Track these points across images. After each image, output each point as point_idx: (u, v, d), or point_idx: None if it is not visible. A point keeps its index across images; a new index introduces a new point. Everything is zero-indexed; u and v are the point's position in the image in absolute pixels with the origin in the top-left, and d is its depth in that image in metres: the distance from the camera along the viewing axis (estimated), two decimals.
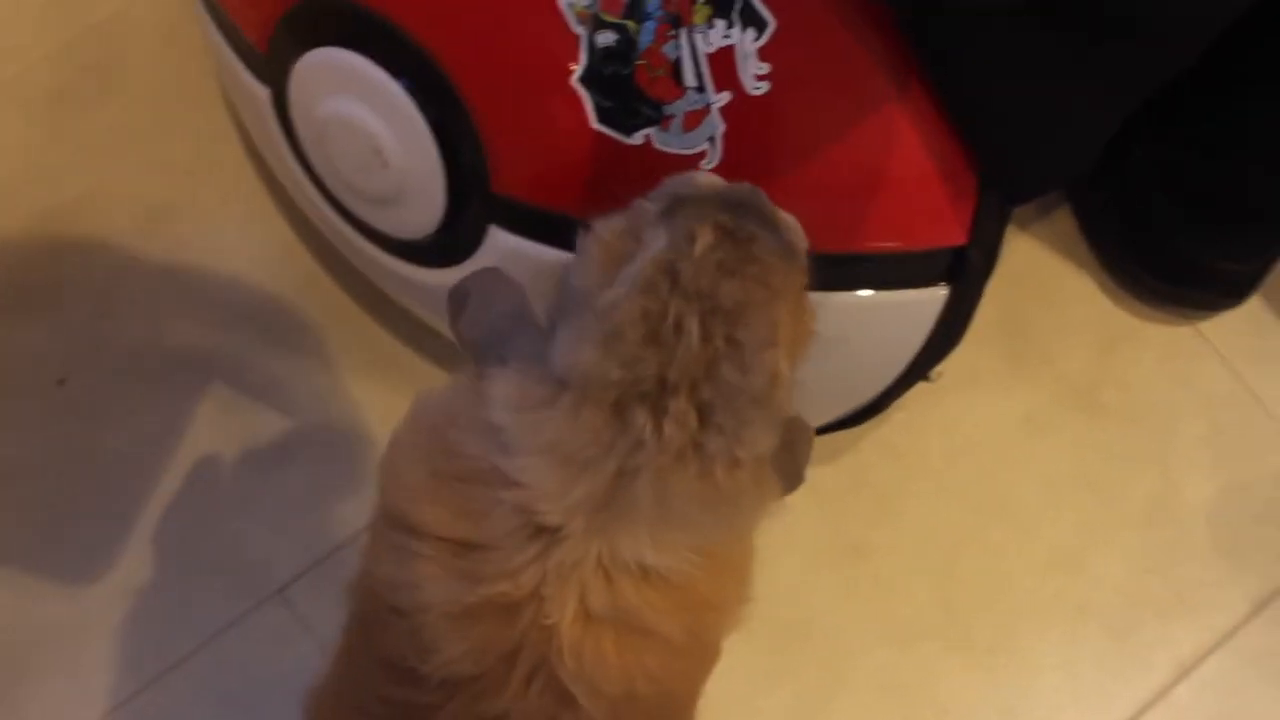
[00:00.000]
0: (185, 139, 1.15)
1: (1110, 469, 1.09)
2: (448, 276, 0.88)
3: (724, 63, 0.78)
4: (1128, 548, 1.07)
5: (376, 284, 1.02)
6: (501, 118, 0.81)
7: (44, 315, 1.09)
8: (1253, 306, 1.13)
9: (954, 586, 1.05)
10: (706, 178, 0.70)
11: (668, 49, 0.77)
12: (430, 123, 0.82)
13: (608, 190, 0.81)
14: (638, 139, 0.79)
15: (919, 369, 0.94)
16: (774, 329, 0.64)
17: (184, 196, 1.13)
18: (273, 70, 0.88)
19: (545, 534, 0.63)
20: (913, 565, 1.05)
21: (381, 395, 1.07)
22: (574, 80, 0.78)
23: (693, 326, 0.62)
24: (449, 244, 0.87)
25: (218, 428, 1.06)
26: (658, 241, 0.64)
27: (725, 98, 0.78)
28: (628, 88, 0.78)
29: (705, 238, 0.63)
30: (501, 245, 0.85)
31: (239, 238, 1.12)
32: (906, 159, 0.83)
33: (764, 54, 0.78)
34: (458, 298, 0.70)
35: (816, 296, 0.85)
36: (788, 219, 0.68)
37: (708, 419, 0.62)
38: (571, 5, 0.77)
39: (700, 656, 0.70)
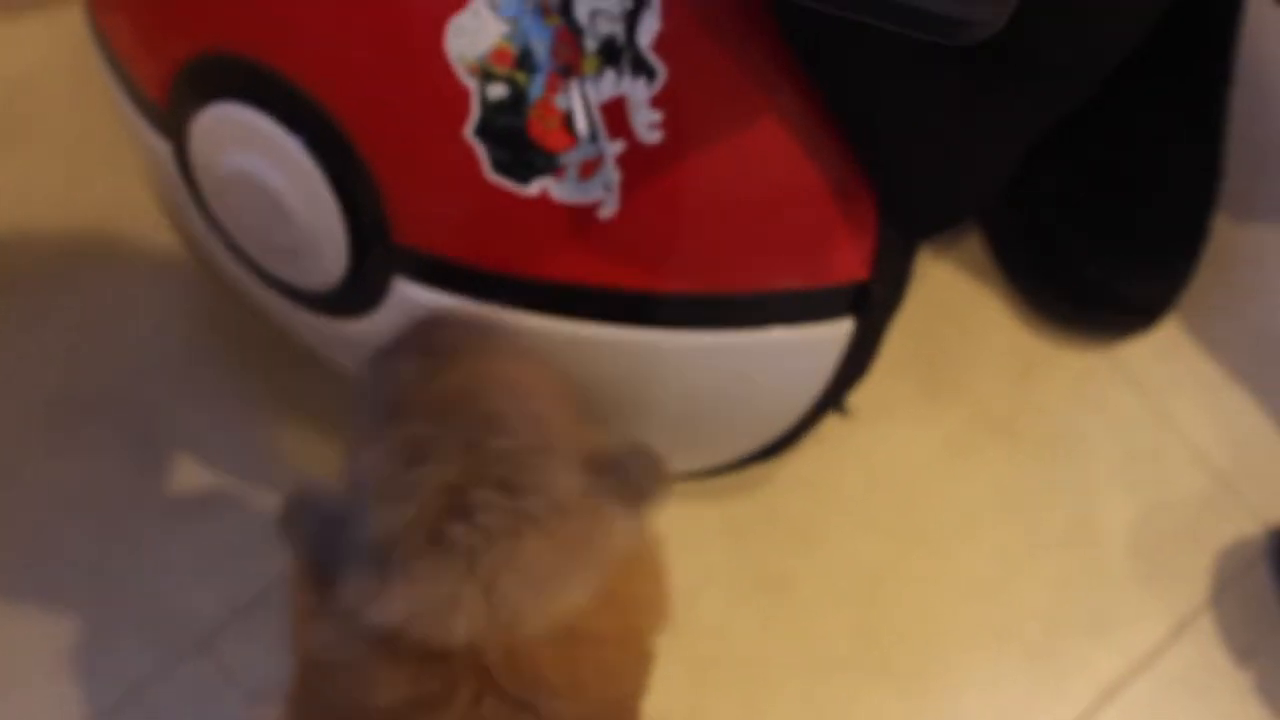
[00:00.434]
0: (98, 190, 1.14)
1: (1028, 495, 1.09)
2: (358, 326, 0.89)
3: (616, 112, 0.78)
4: (1047, 573, 1.07)
5: (290, 334, 1.02)
6: (399, 170, 0.81)
7: None
8: (1167, 331, 1.13)
9: (874, 616, 1.06)
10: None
11: (559, 100, 0.78)
12: (329, 176, 0.82)
13: (504, 237, 0.82)
14: (534, 189, 0.80)
15: (828, 402, 0.95)
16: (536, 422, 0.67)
17: (98, 247, 1.12)
18: (172, 125, 0.88)
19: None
20: (832, 596, 1.06)
21: (300, 444, 1.07)
22: (468, 133, 0.78)
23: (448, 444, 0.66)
24: (355, 294, 0.88)
25: (134, 478, 1.06)
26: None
27: (619, 146, 0.79)
28: (521, 139, 0.78)
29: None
30: (406, 294, 0.85)
31: (153, 288, 1.11)
32: (806, 198, 0.83)
33: (656, 102, 0.78)
34: (292, 514, 0.74)
35: (723, 335, 0.87)
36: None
37: (510, 487, 0.65)
38: (462, 59, 0.77)
39: (636, 650, 0.72)
